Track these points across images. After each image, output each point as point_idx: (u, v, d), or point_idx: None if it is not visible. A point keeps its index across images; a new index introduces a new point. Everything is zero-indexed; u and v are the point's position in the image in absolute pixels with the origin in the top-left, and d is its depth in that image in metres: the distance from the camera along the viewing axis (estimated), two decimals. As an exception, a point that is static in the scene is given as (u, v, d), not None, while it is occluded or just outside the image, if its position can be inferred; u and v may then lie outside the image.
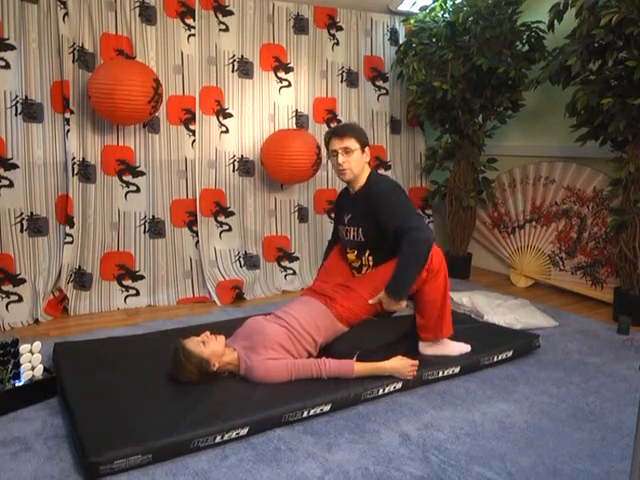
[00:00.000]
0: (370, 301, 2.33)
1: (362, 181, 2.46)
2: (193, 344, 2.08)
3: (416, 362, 2.23)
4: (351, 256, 2.54)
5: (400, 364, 2.20)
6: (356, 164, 2.39)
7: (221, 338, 2.15)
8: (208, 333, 2.14)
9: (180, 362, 2.06)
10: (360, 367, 2.16)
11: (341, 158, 2.37)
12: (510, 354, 2.51)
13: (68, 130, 3.15)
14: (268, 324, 2.24)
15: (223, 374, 2.14)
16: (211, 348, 2.08)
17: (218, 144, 3.61)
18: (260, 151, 3.64)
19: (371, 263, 2.47)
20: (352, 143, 2.38)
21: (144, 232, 3.44)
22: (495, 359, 2.46)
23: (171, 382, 2.10)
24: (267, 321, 2.27)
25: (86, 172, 3.24)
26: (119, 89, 2.92)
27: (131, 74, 2.99)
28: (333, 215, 2.82)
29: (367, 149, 2.44)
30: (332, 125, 3.94)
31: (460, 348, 2.46)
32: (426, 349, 2.43)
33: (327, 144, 2.46)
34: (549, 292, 3.80)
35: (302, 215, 3.93)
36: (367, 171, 2.47)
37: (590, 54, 2.95)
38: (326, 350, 2.31)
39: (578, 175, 3.64)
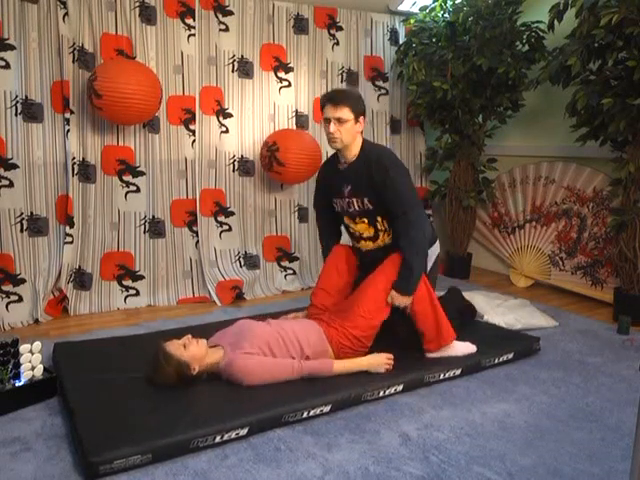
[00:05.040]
0: (388, 299, 2.32)
1: (355, 150, 2.41)
2: (174, 347, 2.05)
3: (390, 355, 2.26)
4: (362, 226, 2.50)
5: (375, 359, 2.24)
6: (347, 134, 2.34)
7: (202, 342, 2.12)
8: (190, 336, 2.11)
9: (159, 364, 2.03)
10: (338, 365, 2.17)
11: (332, 127, 2.32)
12: (511, 356, 2.51)
13: (68, 130, 3.15)
14: (259, 325, 2.24)
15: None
16: (191, 352, 2.05)
17: (218, 144, 3.60)
18: (275, 150, 3.42)
19: (387, 226, 2.45)
20: (345, 113, 2.31)
21: (144, 232, 3.44)
22: (496, 361, 2.46)
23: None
24: (259, 324, 2.27)
25: (86, 172, 3.24)
26: (139, 90, 2.95)
27: (144, 74, 3.02)
28: (318, 192, 2.71)
29: (362, 118, 2.38)
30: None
31: (465, 348, 2.45)
32: (431, 353, 2.43)
33: (321, 108, 2.40)
34: (549, 292, 3.79)
35: (302, 215, 3.93)
36: (359, 140, 2.42)
37: (590, 54, 2.95)
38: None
39: (578, 175, 3.64)
